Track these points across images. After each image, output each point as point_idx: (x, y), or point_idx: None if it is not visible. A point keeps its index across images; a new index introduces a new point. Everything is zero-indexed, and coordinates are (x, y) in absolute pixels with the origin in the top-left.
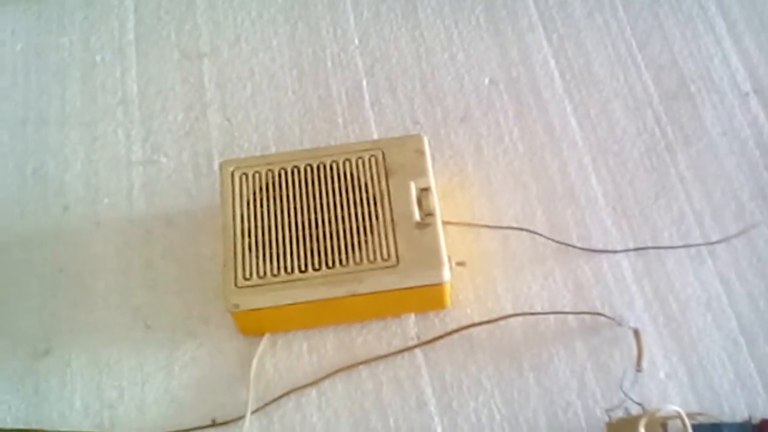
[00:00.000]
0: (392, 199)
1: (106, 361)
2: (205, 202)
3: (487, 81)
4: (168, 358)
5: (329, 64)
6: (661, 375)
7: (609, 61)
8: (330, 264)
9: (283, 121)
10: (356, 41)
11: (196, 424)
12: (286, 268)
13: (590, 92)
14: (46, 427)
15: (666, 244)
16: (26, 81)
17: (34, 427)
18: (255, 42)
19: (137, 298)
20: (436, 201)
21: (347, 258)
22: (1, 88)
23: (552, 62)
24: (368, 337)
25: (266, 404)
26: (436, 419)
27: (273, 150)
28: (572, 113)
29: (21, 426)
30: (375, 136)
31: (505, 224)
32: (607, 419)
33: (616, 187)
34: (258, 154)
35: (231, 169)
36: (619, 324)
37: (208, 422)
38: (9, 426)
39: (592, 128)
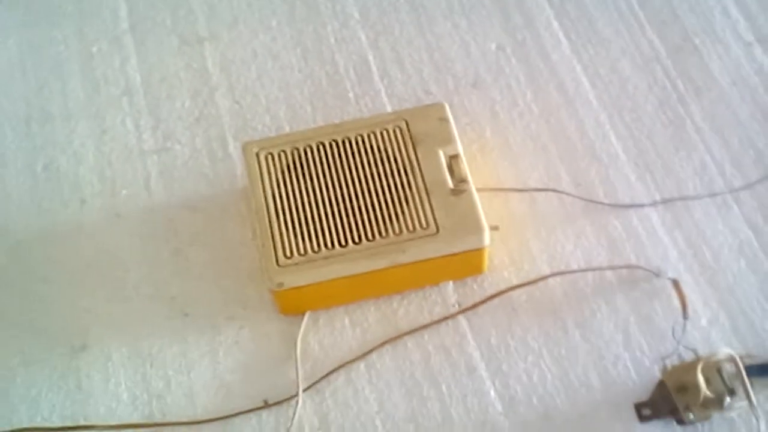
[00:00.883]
0: (423, 168)
1: (148, 352)
2: (224, 185)
3: (494, 46)
4: (210, 344)
5: (332, 40)
6: (703, 322)
7: (612, 20)
8: (370, 236)
9: (293, 99)
10: (356, 15)
11: (248, 407)
12: (326, 243)
13: (597, 51)
14: (94, 422)
15: (691, 194)
16: (24, 77)
17: (82, 423)
18: (254, 23)
19: (171, 287)
20: (467, 167)
21: (386, 229)
22: (0, 85)
23: (555, 24)
24: (409, 308)
25: (316, 381)
26: (488, 382)
27: (287, 129)
28: (583, 73)
29: (69, 423)
30: (388, 109)
31: (530, 186)
32: (661, 367)
33: (635, 143)
34: (272, 134)
35: (255, 150)
36: (657, 275)
37: (260, 404)
38: (57, 424)
39: (604, 86)
